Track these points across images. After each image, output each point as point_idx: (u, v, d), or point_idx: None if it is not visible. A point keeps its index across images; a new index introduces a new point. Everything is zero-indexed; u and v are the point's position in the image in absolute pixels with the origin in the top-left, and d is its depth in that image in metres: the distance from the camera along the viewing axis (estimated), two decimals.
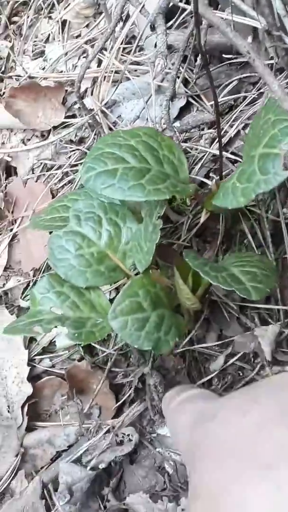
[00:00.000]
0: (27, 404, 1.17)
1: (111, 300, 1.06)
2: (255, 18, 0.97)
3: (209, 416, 0.64)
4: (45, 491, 1.09)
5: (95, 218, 0.98)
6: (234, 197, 0.80)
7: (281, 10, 0.90)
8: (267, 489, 0.48)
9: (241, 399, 0.62)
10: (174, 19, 1.19)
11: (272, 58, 1.05)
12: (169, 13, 1.16)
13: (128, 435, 1.09)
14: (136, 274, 0.92)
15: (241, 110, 1.16)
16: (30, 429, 1.17)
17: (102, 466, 1.06)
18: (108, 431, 1.09)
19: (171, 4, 1.03)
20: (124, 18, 1.29)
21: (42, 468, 1.15)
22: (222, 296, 1.07)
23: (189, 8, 1.07)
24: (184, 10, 1.12)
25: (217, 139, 1.14)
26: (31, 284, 1.29)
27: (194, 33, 1.12)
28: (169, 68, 1.12)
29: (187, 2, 1.08)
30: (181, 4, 1.04)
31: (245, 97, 1.17)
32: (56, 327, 0.93)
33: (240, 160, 1.12)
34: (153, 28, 1.14)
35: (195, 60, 1.18)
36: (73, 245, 0.97)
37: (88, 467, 1.06)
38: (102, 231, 0.97)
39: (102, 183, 0.84)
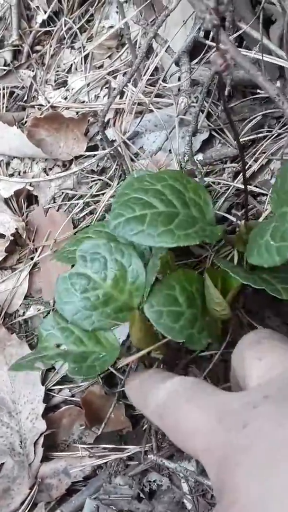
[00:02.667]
0: (42, 438, 1.17)
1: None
2: (282, 57, 0.98)
3: (238, 422, 0.59)
4: None
5: (100, 259, 0.98)
6: (269, 256, 0.80)
7: None
8: None
9: (275, 411, 0.58)
10: (199, 54, 1.20)
11: None
12: (194, 48, 1.17)
13: (155, 481, 1.09)
14: None
15: (264, 145, 1.17)
16: (47, 459, 1.17)
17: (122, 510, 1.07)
18: (130, 474, 1.10)
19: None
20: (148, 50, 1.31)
21: (57, 498, 1.15)
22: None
23: (214, 45, 1.08)
24: (210, 46, 1.13)
25: (241, 173, 1.15)
26: (51, 313, 1.29)
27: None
28: (193, 102, 1.13)
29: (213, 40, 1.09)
30: (208, 42, 1.05)
31: (268, 132, 1.18)
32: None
33: (261, 195, 1.12)
34: (178, 64, 1.15)
35: (219, 95, 1.19)
36: (79, 288, 0.97)
37: (113, 507, 1.06)
38: (108, 273, 0.97)
39: (131, 229, 0.84)
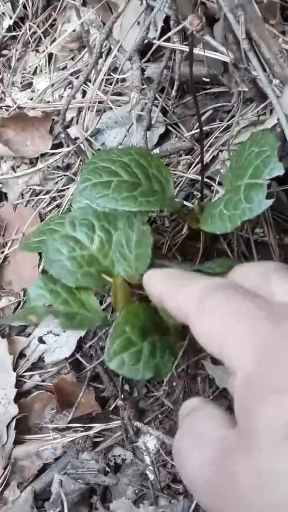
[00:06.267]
0: (14, 421, 1.23)
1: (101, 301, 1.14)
2: (224, 53, 1.05)
3: None
4: (36, 500, 1.16)
5: (88, 224, 1.04)
6: (222, 223, 0.86)
7: (246, 45, 0.98)
8: None
9: None
10: (151, 53, 1.27)
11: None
12: (147, 47, 1.24)
13: (119, 455, 1.16)
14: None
15: (216, 137, 1.24)
16: (20, 442, 1.23)
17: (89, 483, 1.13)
18: (97, 450, 1.16)
19: (146, 40, 1.11)
20: (107, 51, 1.38)
21: (29, 479, 1.20)
22: None
23: (158, 43, 1.15)
24: (160, 46, 1.19)
25: (193, 164, 1.22)
26: (21, 303, 1.36)
27: (170, 65, 1.21)
28: (148, 99, 1.20)
29: (163, 39, 1.16)
30: (156, 41, 1.12)
31: (219, 125, 1.25)
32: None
33: (213, 184, 1.19)
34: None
35: (175, 91, 1.25)
36: (66, 248, 1.03)
37: (81, 481, 1.12)
38: (95, 237, 1.05)
39: (97, 192, 0.91)
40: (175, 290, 0.66)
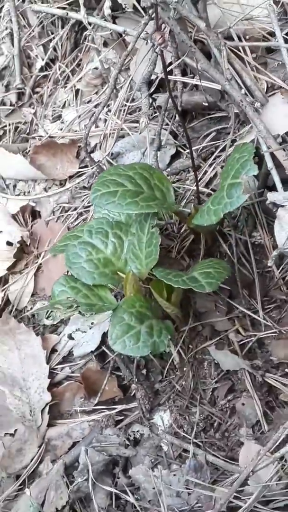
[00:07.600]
0: (47, 407, 1.42)
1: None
2: (216, 82, 1.24)
3: None
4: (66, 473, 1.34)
5: (103, 232, 1.26)
6: (208, 216, 1.07)
7: (228, 75, 1.18)
8: None
9: None
10: (161, 85, 1.46)
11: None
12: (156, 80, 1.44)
13: (138, 431, 1.33)
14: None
15: (218, 156, 1.43)
16: (53, 425, 1.42)
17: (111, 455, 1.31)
18: (118, 427, 1.34)
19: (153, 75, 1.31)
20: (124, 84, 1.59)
21: (61, 456, 1.38)
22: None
23: (160, 76, 1.34)
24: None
25: (199, 179, 1.41)
26: (62, 275, 1.52)
27: (177, 95, 1.40)
28: (153, 124, 1.39)
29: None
30: (159, 74, 1.31)
31: (222, 144, 1.44)
32: (72, 309, 1.21)
33: None
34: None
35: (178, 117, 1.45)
36: (84, 252, 1.24)
37: (104, 453, 1.30)
38: (108, 242, 1.25)
39: (105, 200, 1.12)
40: None
